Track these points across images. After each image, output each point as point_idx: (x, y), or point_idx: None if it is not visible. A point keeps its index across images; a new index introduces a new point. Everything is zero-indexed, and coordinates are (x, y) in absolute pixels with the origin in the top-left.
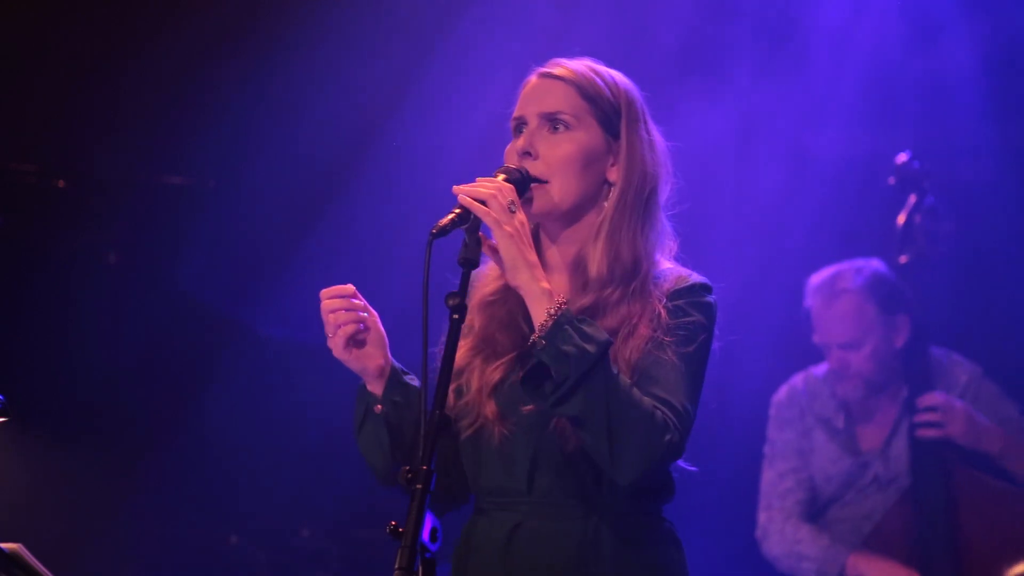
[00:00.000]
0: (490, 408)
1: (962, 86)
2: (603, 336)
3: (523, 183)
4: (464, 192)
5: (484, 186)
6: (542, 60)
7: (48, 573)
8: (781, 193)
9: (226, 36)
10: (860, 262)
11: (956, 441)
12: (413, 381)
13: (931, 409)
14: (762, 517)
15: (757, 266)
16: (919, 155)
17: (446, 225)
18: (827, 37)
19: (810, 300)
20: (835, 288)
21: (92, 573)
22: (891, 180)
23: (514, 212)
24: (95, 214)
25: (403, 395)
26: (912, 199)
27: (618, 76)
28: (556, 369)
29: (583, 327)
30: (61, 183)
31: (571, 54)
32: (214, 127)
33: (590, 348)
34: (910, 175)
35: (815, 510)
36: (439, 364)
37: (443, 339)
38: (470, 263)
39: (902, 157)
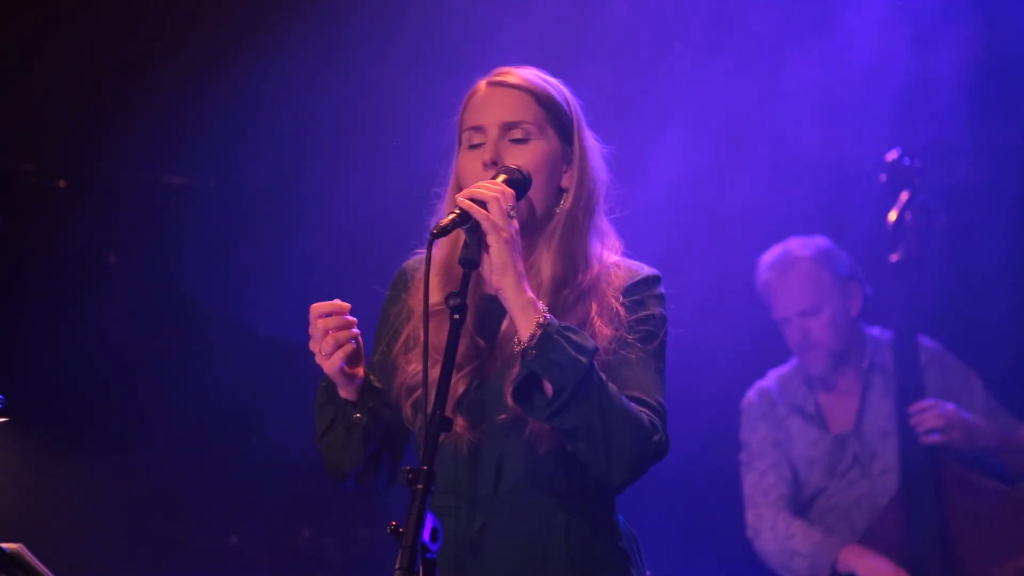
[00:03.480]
0: (458, 422)
1: (953, 85)
2: (591, 344)
3: (523, 186)
4: (465, 196)
5: (487, 188)
6: (541, 57)
7: (48, 573)
8: (768, 193)
9: (226, 37)
10: (806, 237)
11: (955, 446)
12: (377, 383)
13: (923, 411)
14: (750, 516)
15: (742, 266)
16: (909, 153)
17: (447, 225)
18: (819, 35)
19: (764, 275)
20: (788, 258)
21: (92, 573)
22: (882, 177)
23: (512, 218)
24: (95, 214)
25: (376, 400)
26: (904, 196)
27: (562, 84)
28: (551, 380)
29: (572, 336)
30: (61, 183)
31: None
32: (214, 127)
33: (582, 358)
34: (901, 172)
35: (802, 501)
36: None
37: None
38: (471, 263)
39: (892, 154)
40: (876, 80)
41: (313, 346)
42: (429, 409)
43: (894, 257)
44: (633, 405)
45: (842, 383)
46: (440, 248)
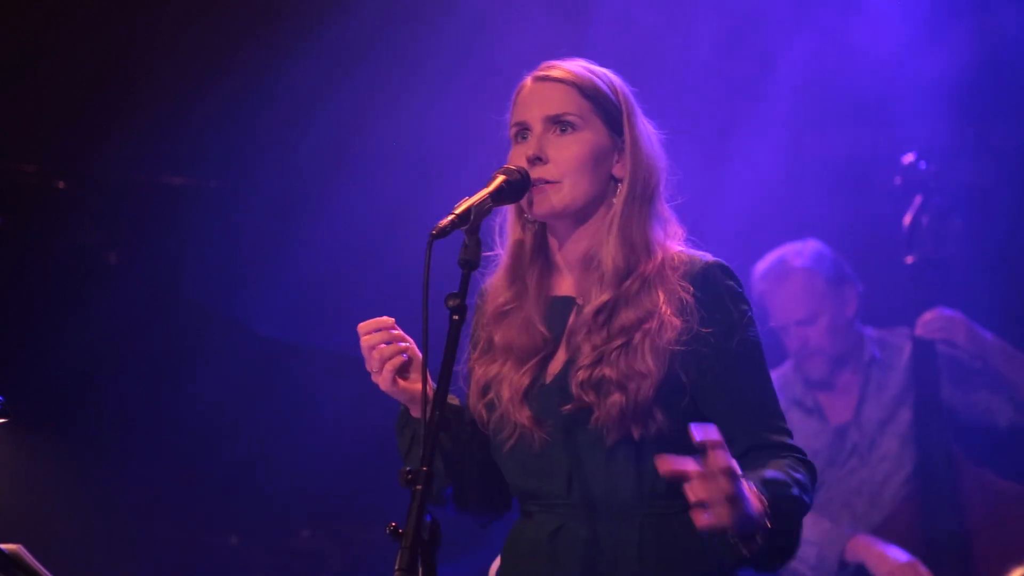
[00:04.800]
0: (524, 414)
1: (959, 86)
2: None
3: (523, 184)
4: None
5: (712, 490)
6: (544, 57)
7: (48, 573)
8: (777, 195)
9: (227, 37)
10: (799, 243)
11: (960, 346)
12: (453, 400)
13: (928, 320)
14: None
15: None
16: (925, 157)
17: (446, 226)
18: (825, 36)
19: (760, 285)
20: (783, 269)
21: (92, 573)
22: (897, 180)
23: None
24: (95, 214)
25: (450, 414)
26: (918, 200)
27: (611, 73)
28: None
29: (767, 526)
30: (61, 183)
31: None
32: (214, 127)
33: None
34: (916, 176)
35: None
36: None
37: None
38: (470, 264)
39: (908, 158)
40: (883, 81)
41: (367, 365)
42: (429, 409)
43: (909, 259)
44: (790, 483)
45: (841, 382)
46: (513, 236)
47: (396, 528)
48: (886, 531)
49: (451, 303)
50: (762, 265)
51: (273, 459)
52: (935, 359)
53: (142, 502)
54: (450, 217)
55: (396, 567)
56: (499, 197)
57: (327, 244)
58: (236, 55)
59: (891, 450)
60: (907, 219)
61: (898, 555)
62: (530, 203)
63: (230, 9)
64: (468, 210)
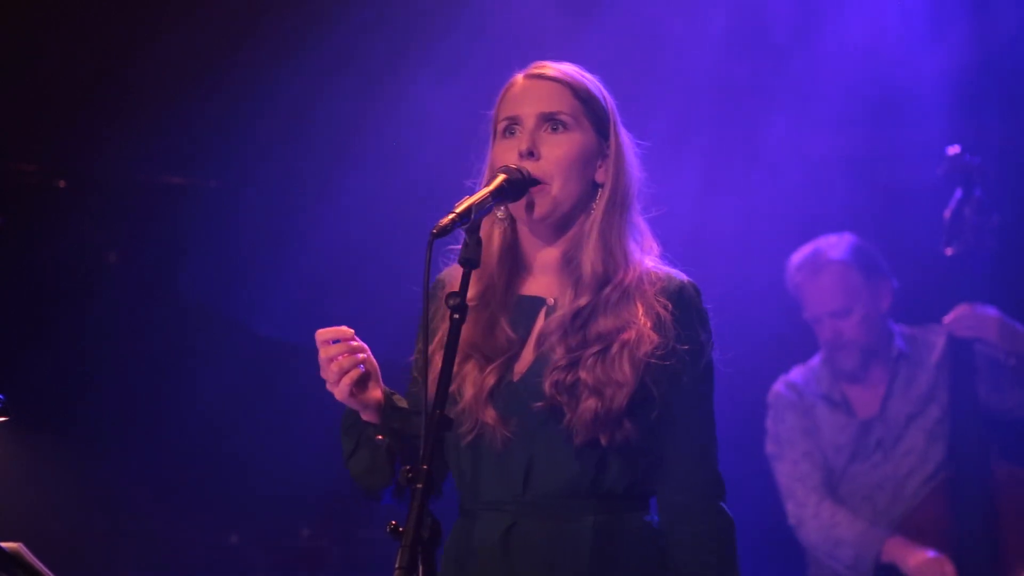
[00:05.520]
0: (489, 414)
1: (961, 85)
2: None
3: (523, 184)
4: None
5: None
6: (550, 58)
7: (48, 572)
8: (781, 195)
9: (227, 36)
10: (835, 236)
11: (993, 342)
12: (402, 402)
13: (958, 317)
14: (790, 505)
15: (762, 269)
16: (969, 149)
17: (446, 225)
18: (837, 33)
19: (795, 276)
20: (819, 261)
21: (92, 573)
22: (939, 171)
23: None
24: (95, 214)
25: (400, 420)
26: (959, 193)
27: (598, 80)
28: None
29: None
30: (61, 183)
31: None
32: (214, 127)
33: None
34: (961, 168)
35: (830, 486)
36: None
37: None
38: (471, 263)
39: (955, 149)
40: (886, 80)
41: (322, 374)
42: (429, 408)
43: (949, 251)
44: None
45: (871, 376)
46: (483, 233)
47: (396, 527)
48: (913, 526)
49: (451, 302)
50: (797, 257)
51: (273, 459)
52: (971, 355)
53: (142, 501)
54: (451, 216)
55: (396, 565)
56: (500, 196)
57: (327, 244)
58: (236, 55)
59: (916, 446)
60: (947, 212)
61: (931, 552)
62: (531, 203)
63: (229, 10)
64: (469, 209)
